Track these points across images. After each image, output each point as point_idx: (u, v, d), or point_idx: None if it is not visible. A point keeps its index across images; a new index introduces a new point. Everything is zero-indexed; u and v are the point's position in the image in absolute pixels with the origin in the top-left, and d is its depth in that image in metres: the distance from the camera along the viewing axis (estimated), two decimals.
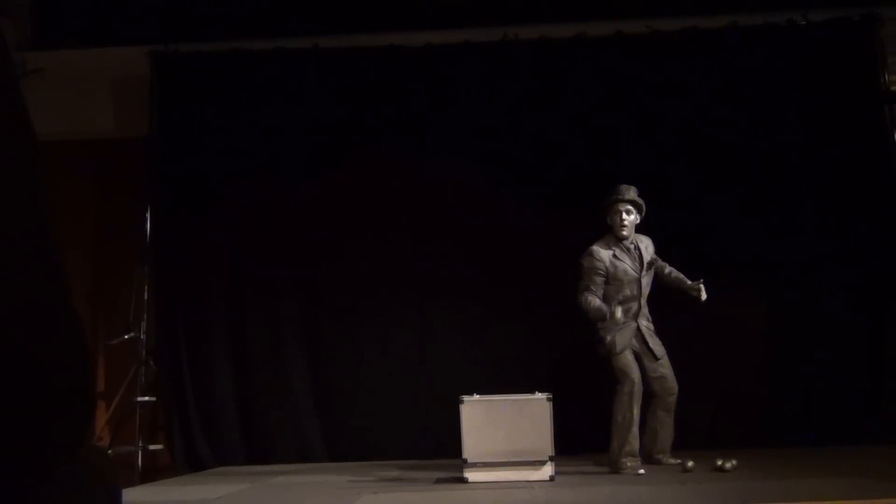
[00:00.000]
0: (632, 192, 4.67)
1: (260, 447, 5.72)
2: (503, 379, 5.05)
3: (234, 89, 6.11)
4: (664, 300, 4.84)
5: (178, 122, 6.07)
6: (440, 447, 5.20)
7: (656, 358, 4.62)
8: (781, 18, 5.96)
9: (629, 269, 4.62)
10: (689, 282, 4.68)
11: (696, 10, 5.98)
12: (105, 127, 6.36)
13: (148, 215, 5.98)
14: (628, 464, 4.36)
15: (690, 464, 4.23)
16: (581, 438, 5.07)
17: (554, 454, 4.11)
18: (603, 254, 4.61)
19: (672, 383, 4.63)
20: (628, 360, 4.54)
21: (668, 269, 4.81)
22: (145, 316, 5.84)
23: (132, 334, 5.76)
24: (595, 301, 4.53)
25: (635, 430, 4.43)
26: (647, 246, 4.76)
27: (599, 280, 4.57)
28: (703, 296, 4.60)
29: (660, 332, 4.77)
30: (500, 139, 5.95)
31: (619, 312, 4.49)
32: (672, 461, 4.56)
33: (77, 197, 6.18)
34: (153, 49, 6.12)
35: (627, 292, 4.60)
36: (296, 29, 6.14)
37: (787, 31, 5.97)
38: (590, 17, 6.05)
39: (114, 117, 6.38)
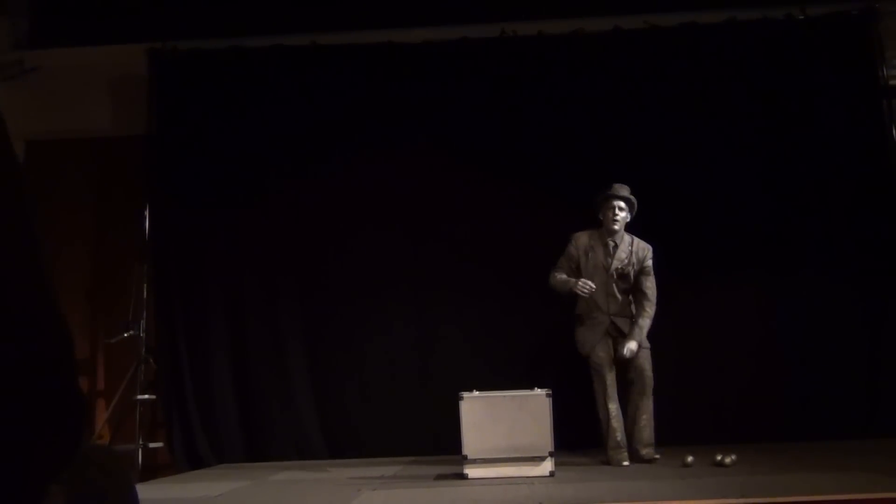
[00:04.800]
0: (625, 191, 4.78)
1: (260, 444, 5.72)
2: (503, 375, 5.05)
3: (232, 87, 6.11)
4: (664, 298, 4.85)
5: (176, 119, 6.07)
6: (440, 444, 5.20)
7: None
8: (780, 13, 5.96)
9: (599, 261, 4.74)
10: (629, 330, 4.67)
11: (694, 6, 5.98)
12: (103, 125, 6.36)
13: (147, 213, 5.98)
14: (614, 456, 4.49)
15: (690, 459, 4.24)
16: (581, 434, 5.07)
17: (554, 450, 4.12)
18: (581, 241, 4.82)
19: (648, 373, 4.61)
20: (601, 359, 4.63)
21: (642, 292, 4.74)
22: (145, 314, 5.84)
23: (132, 332, 5.75)
24: (559, 275, 4.77)
25: (615, 424, 4.53)
26: (637, 251, 4.77)
27: (568, 264, 4.82)
28: (624, 352, 4.58)
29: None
30: (499, 136, 5.95)
31: (585, 284, 4.61)
32: (654, 456, 4.53)
33: (76, 195, 6.18)
34: (151, 47, 6.13)
35: (595, 283, 4.71)
36: (294, 26, 6.13)
37: (785, 26, 5.97)
38: (588, 13, 6.05)
39: (112, 115, 6.38)
